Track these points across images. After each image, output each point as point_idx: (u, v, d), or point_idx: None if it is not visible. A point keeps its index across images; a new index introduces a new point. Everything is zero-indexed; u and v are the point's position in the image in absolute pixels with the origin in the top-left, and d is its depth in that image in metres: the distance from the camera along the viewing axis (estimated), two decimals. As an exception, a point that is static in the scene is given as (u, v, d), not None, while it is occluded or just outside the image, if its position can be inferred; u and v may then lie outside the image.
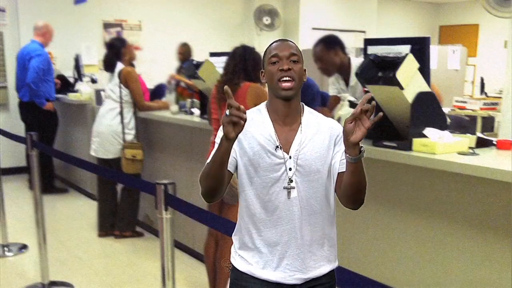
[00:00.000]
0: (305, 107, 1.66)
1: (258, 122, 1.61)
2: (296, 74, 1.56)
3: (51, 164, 5.96)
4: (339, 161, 1.58)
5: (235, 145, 1.57)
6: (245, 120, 1.40)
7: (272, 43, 1.64)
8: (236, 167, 1.60)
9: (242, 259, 1.64)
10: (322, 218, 1.60)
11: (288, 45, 1.61)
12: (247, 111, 1.62)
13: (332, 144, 1.60)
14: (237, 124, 1.40)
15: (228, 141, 1.43)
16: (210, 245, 3.11)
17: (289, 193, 1.56)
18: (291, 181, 1.56)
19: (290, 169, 1.56)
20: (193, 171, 3.89)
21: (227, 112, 1.39)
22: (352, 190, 1.53)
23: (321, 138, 1.59)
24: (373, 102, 1.39)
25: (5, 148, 5.63)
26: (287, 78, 1.55)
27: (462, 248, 2.25)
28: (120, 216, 4.44)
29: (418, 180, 2.43)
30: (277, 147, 1.57)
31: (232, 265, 1.68)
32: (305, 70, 1.61)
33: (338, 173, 1.58)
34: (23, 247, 4.21)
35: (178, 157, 4.23)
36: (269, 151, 1.56)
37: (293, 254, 1.58)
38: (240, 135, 1.53)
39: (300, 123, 1.61)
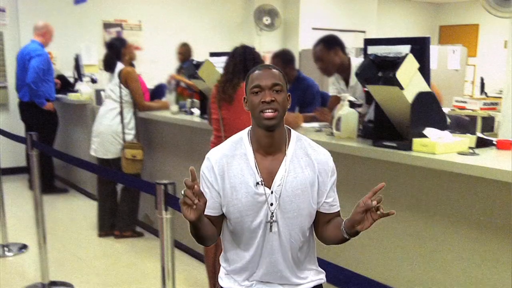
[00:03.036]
0: (293, 133, 1.61)
1: (240, 155, 1.57)
2: (280, 104, 1.51)
3: (51, 164, 5.96)
4: (325, 202, 1.59)
5: (217, 187, 1.56)
6: (201, 205, 1.38)
7: (255, 69, 1.58)
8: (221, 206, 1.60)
9: (228, 277, 1.69)
10: (303, 250, 1.62)
11: (271, 73, 1.54)
12: (228, 141, 1.62)
13: (316, 180, 1.56)
14: (195, 207, 1.38)
15: (192, 222, 1.43)
16: (210, 245, 3.11)
17: (270, 227, 1.55)
18: (272, 216, 1.55)
19: (271, 204, 1.54)
20: (193, 171, 3.88)
21: (182, 191, 1.37)
22: (332, 243, 1.61)
23: (306, 172, 1.56)
24: (380, 196, 1.39)
25: (5, 148, 5.62)
26: (270, 111, 1.50)
27: (462, 248, 2.25)
28: (120, 216, 4.44)
29: (418, 180, 2.43)
30: (257, 183, 1.54)
31: (220, 285, 1.72)
32: (289, 95, 1.57)
33: (322, 213, 1.60)
34: (23, 247, 4.21)
35: (178, 157, 4.23)
36: (251, 188, 1.54)
37: (272, 284, 1.62)
38: (218, 175, 1.54)
39: (286, 152, 1.57)
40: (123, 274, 3.77)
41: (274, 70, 1.56)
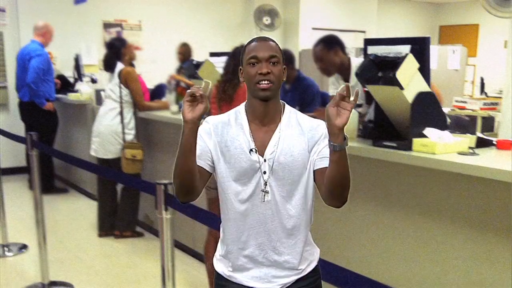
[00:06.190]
0: (286, 106, 1.63)
1: (236, 124, 1.58)
2: (275, 77, 1.52)
3: (51, 164, 5.96)
4: (319, 158, 1.54)
5: (210, 145, 1.56)
6: (201, 98, 1.40)
7: (251, 41, 1.59)
8: (214, 169, 1.58)
9: (221, 261, 1.67)
10: (297, 221, 1.58)
11: (268, 45, 1.55)
12: (226, 113, 1.62)
13: (311, 146, 1.55)
14: (196, 105, 1.40)
15: (186, 123, 1.42)
16: (210, 245, 3.11)
17: (264, 196, 1.54)
18: (265, 184, 1.54)
19: (264, 172, 1.54)
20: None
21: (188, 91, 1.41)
22: (334, 184, 1.46)
23: (299, 140, 1.56)
24: (351, 86, 1.38)
25: (5, 148, 5.62)
26: (266, 82, 1.51)
27: (462, 248, 2.25)
28: (120, 216, 4.44)
29: (418, 180, 2.43)
30: (251, 150, 1.54)
31: (214, 268, 1.70)
32: (284, 69, 1.57)
33: (319, 169, 1.54)
34: (23, 247, 4.21)
35: (178, 157, 4.22)
36: (245, 154, 1.54)
37: (267, 260, 1.58)
38: (215, 138, 1.54)
39: (279, 123, 1.58)
40: (123, 274, 3.77)
41: (271, 42, 1.58)
